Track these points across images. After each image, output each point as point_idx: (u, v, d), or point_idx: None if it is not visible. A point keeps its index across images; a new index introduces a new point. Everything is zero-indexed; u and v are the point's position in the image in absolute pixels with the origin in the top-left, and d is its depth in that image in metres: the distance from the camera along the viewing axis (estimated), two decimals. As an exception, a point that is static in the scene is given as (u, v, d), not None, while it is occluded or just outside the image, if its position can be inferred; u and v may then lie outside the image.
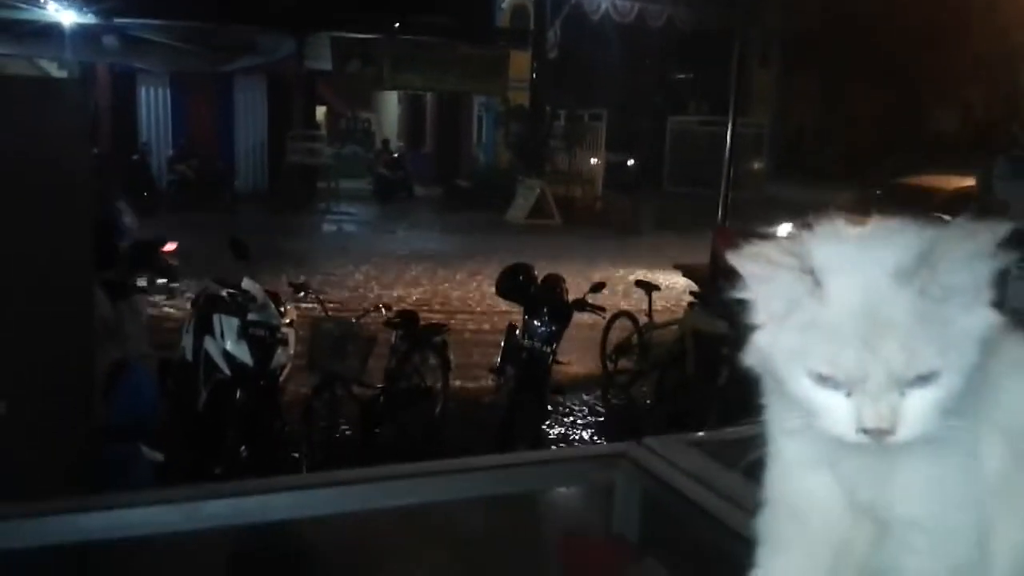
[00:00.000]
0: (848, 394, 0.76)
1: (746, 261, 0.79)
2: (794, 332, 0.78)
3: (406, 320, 6.49)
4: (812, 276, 0.77)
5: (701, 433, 1.50)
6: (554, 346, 6.42)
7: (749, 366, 0.85)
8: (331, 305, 6.80)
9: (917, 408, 0.75)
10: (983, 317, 0.77)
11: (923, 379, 0.75)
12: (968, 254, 0.75)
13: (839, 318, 0.75)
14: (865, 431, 0.76)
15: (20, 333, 2.54)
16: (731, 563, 0.98)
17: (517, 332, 6.57)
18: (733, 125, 11.52)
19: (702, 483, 1.29)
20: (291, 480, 1.61)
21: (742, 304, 0.83)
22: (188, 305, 6.06)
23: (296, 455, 5.68)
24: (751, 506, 0.97)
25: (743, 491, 1.01)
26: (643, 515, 1.38)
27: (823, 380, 0.77)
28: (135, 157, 17.73)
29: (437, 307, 10.25)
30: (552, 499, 1.51)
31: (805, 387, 0.78)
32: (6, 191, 2.35)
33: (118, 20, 16.98)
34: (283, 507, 1.45)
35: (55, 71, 17.88)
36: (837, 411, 0.77)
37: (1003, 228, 0.75)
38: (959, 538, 0.80)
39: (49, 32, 16.30)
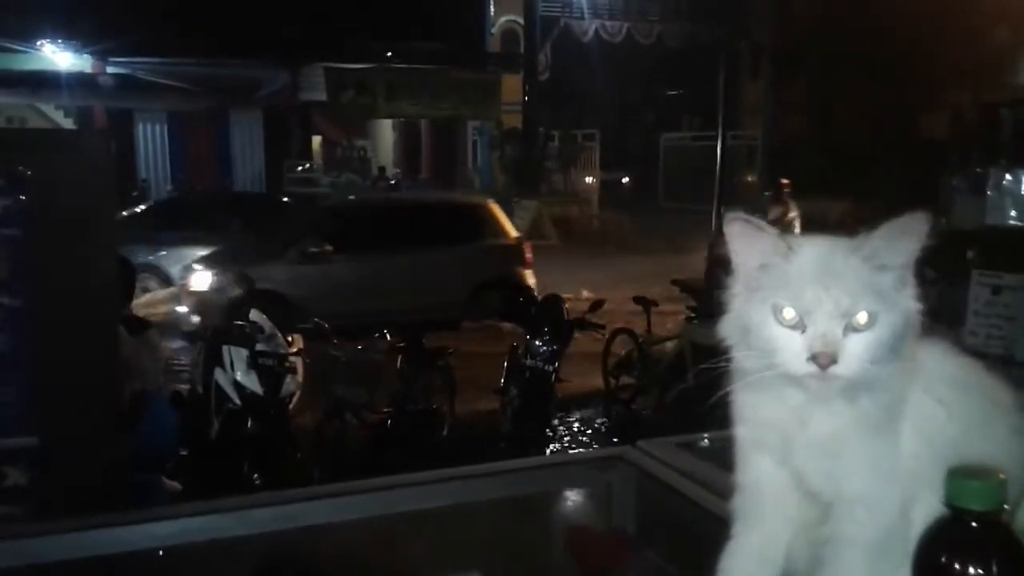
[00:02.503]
0: (803, 332, 0.96)
1: (736, 225, 1.01)
2: (766, 286, 0.99)
3: (411, 344, 6.62)
4: (786, 243, 0.99)
5: (689, 436, 1.65)
6: (556, 364, 6.55)
7: (723, 337, 1.04)
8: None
9: (855, 348, 0.94)
10: (907, 301, 0.98)
11: (860, 327, 0.94)
12: (901, 237, 0.96)
13: (803, 268, 0.97)
14: (814, 358, 0.94)
15: (50, 372, 2.69)
16: (718, 547, 1.13)
17: (519, 352, 6.71)
18: (723, 140, 11.72)
19: (690, 478, 1.44)
20: (308, 491, 1.74)
21: (728, 268, 1.04)
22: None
23: (307, 481, 5.79)
24: (730, 495, 1.14)
25: (727, 484, 1.16)
26: (639, 510, 1.53)
27: (784, 321, 0.96)
28: (135, 194, 17.93)
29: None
30: (557, 499, 1.65)
31: (770, 327, 0.97)
32: (39, 236, 2.51)
33: (113, 60, 17.24)
34: (302, 515, 1.58)
35: (52, 112, 18.16)
36: (793, 346, 0.96)
37: (927, 219, 0.97)
38: (889, 508, 0.98)
39: (46, 76, 16.56)
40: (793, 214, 12.79)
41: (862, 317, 0.94)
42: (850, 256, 0.96)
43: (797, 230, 12.87)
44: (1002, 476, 0.80)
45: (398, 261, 9.90)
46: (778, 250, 0.99)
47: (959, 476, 0.80)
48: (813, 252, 0.98)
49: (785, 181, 13.35)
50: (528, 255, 10.77)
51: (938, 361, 1.03)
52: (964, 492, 0.79)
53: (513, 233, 10.86)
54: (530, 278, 10.65)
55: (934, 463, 0.94)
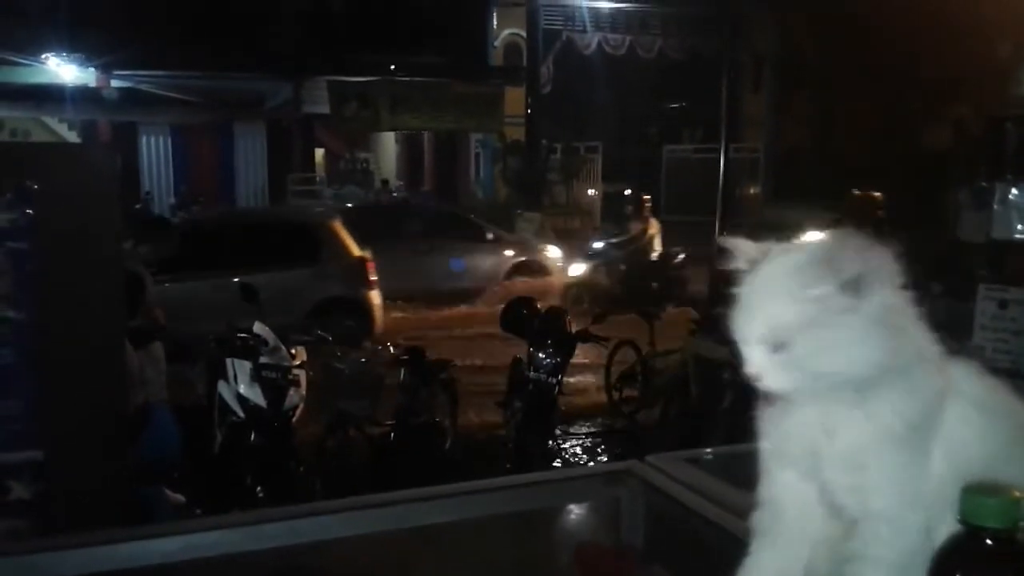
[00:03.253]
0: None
1: (733, 243, 1.07)
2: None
3: (413, 356, 6.61)
4: (756, 257, 1.04)
5: (697, 451, 1.64)
6: (559, 377, 6.54)
7: None
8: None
9: (776, 368, 0.99)
10: (845, 318, 0.98)
11: (781, 348, 0.99)
12: (838, 254, 0.98)
13: (748, 286, 1.03)
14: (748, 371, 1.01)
15: (55, 385, 2.69)
16: (727, 562, 1.12)
17: (523, 365, 6.69)
18: (725, 152, 11.72)
19: (699, 494, 1.44)
20: (313, 507, 1.74)
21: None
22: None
23: (310, 494, 5.78)
24: (742, 511, 1.13)
25: (735, 499, 1.16)
26: (648, 525, 1.53)
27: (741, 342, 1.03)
28: (138, 206, 17.96)
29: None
30: (564, 514, 1.65)
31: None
32: (46, 251, 2.52)
33: (117, 74, 17.32)
34: (307, 530, 1.58)
35: (56, 125, 18.23)
36: (746, 364, 1.02)
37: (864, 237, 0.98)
38: (913, 529, 0.97)
39: (51, 89, 16.63)
40: (653, 231, 12.62)
41: (781, 340, 0.98)
42: (786, 275, 0.99)
43: (657, 247, 12.66)
44: (1017, 494, 0.80)
45: (225, 282, 9.25)
46: (749, 264, 1.04)
47: (974, 493, 0.80)
48: (763, 269, 1.02)
49: (646, 197, 13.25)
50: (372, 276, 10.30)
51: (966, 382, 1.03)
52: (979, 509, 0.79)
53: (356, 252, 10.37)
54: (375, 299, 10.27)
55: (960, 486, 0.91)
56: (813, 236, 1.05)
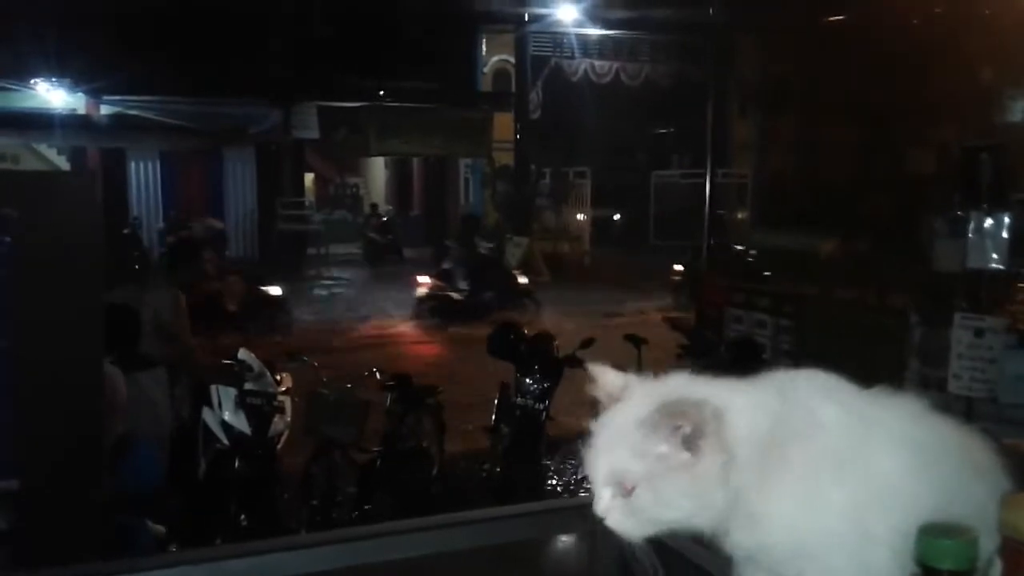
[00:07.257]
0: None
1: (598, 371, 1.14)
2: None
3: (400, 382, 6.58)
4: (608, 399, 1.09)
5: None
6: (547, 403, 6.52)
7: None
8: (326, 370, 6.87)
9: (617, 513, 1.03)
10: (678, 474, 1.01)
11: (625, 493, 1.01)
12: (672, 422, 0.99)
13: (601, 425, 1.07)
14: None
15: (33, 413, 2.67)
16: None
17: (510, 391, 6.67)
18: (712, 178, 11.78)
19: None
20: (294, 540, 1.73)
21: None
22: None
23: (296, 521, 5.74)
24: (718, 547, 1.13)
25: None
26: (622, 558, 1.52)
27: None
28: (126, 231, 17.91)
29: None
30: (540, 547, 1.64)
31: None
32: (24, 280, 2.51)
33: (107, 99, 17.33)
34: (287, 565, 1.56)
35: (44, 150, 18.20)
36: (594, 502, 1.06)
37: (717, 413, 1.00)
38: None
39: (40, 115, 16.61)
40: None
41: (624, 487, 1.01)
42: (634, 427, 1.01)
43: None
44: (974, 535, 0.79)
45: None
46: (607, 399, 1.08)
47: (931, 534, 0.79)
48: (615, 414, 1.05)
49: None
50: None
51: (904, 426, 0.99)
52: (936, 551, 0.78)
53: None
54: None
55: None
56: (672, 380, 1.07)
